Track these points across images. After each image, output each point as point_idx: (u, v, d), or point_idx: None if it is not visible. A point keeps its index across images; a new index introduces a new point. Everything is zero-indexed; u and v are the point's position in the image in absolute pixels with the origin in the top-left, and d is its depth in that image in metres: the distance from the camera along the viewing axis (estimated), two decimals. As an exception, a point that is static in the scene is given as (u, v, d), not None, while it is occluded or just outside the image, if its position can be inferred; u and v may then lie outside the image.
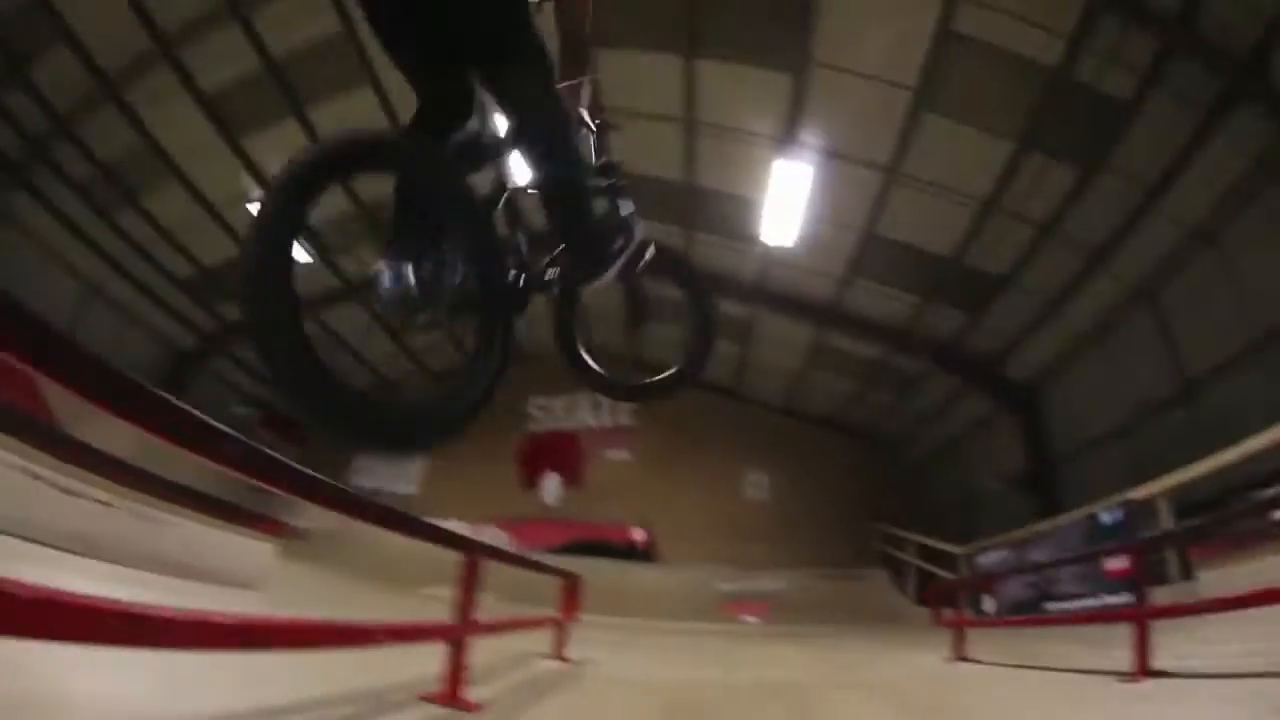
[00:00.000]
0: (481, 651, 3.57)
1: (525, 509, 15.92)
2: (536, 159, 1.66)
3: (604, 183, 2.07)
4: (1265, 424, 6.38)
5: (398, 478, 17.01)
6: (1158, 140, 7.22)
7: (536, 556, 13.03)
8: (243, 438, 1.71)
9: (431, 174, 1.48)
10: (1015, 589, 7.56)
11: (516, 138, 1.67)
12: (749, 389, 15.81)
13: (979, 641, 4.29)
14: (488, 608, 3.23)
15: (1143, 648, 2.56)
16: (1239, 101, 6.37)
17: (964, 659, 3.97)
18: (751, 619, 11.38)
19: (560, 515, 15.62)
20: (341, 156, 1.33)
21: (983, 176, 8.68)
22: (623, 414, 16.95)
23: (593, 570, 12.35)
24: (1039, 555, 7.41)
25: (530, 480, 16.70)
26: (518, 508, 15.92)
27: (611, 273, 1.90)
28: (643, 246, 1.99)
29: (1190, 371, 8.15)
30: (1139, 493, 6.18)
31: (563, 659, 4.14)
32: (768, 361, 14.36)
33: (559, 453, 16.86)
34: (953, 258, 9.87)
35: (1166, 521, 5.71)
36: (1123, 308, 9.09)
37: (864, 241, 10.30)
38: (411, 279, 1.44)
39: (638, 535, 14.44)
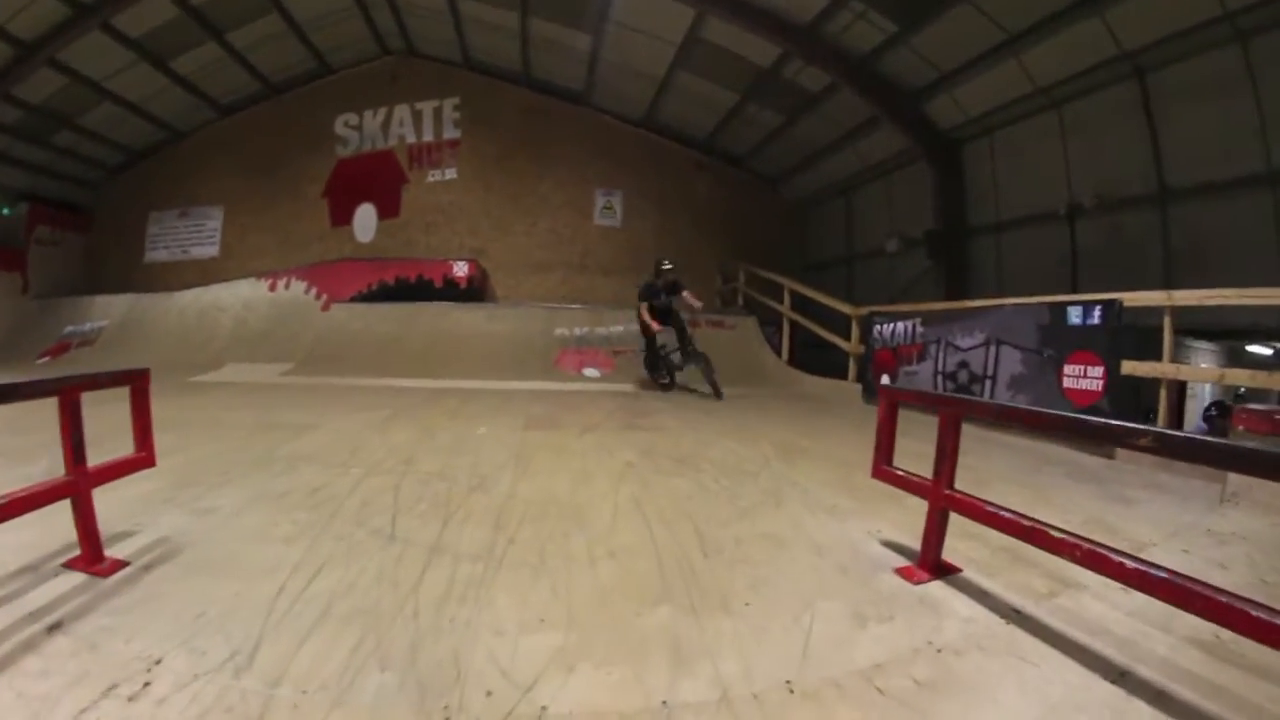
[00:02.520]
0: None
1: (340, 250, 13.13)
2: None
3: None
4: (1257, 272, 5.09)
5: (197, 243, 14.00)
6: None
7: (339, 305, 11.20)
8: None
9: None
10: (926, 377, 6.44)
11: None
12: (602, 95, 12.40)
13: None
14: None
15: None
16: None
17: (944, 569, 2.34)
18: (593, 372, 9.61)
19: (375, 253, 12.97)
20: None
21: None
22: (447, 123, 13.27)
23: (407, 317, 10.73)
24: (965, 339, 5.96)
25: (342, 215, 13.48)
26: (331, 250, 13.18)
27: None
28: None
29: (1170, 179, 6.43)
30: (1135, 297, 4.73)
31: (93, 566, 2.19)
32: (628, 59, 10.86)
33: (372, 177, 13.51)
34: (891, -63, 6.61)
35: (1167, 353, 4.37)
36: (1099, 72, 6.86)
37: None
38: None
39: (460, 270, 12.04)
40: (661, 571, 2.31)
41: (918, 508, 2.54)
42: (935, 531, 2.33)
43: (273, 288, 12.21)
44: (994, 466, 3.99)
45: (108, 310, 12.42)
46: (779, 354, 9.81)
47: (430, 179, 13.31)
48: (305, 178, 13.64)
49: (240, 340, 11.22)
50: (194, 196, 13.93)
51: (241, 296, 12.23)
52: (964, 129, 8.81)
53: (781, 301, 9.68)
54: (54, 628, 1.79)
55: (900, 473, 2.57)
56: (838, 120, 10.11)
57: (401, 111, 13.49)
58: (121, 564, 2.24)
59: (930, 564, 2.33)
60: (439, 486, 3.34)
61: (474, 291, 11.86)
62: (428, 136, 13.38)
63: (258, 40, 11.87)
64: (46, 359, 11.36)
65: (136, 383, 2.61)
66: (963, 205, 8.96)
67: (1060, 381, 5.02)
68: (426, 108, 13.41)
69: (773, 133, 11.31)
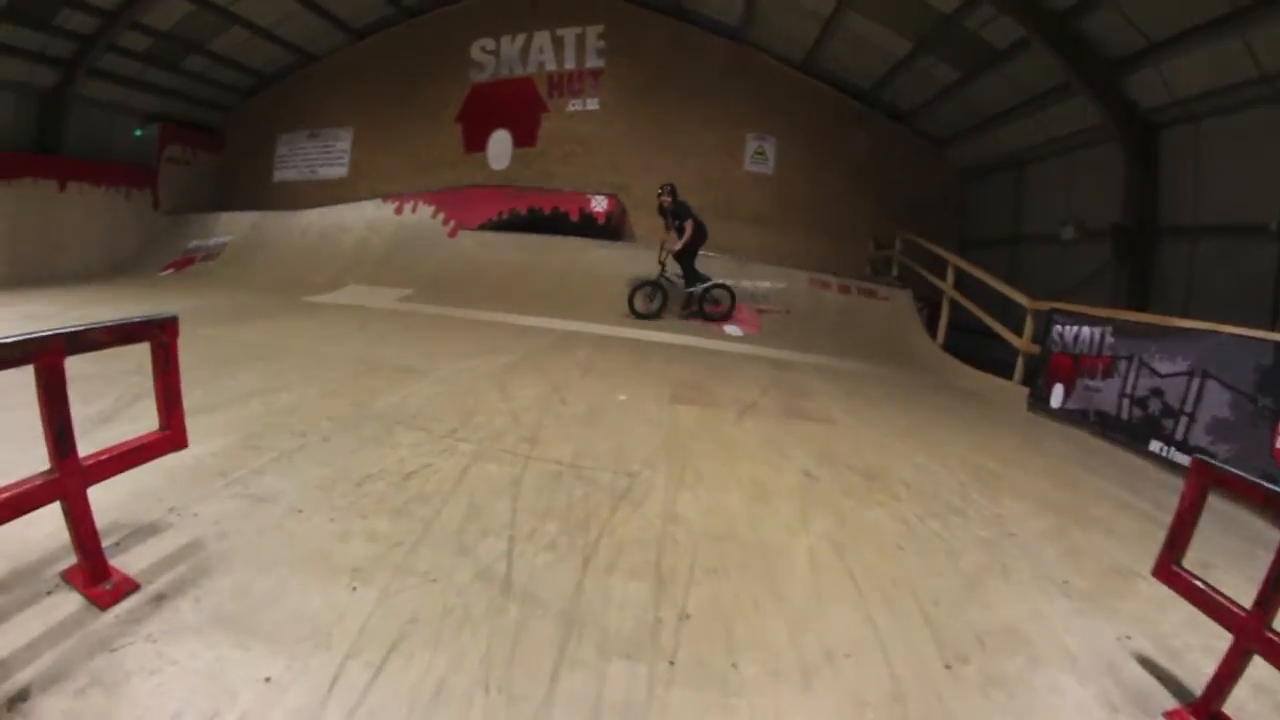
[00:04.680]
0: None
1: (472, 177, 13.23)
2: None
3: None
4: None
5: (326, 164, 14.38)
6: None
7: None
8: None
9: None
10: (1110, 395, 5.72)
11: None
12: (761, 32, 11.67)
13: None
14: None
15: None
16: None
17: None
18: (735, 331, 9.19)
19: (508, 182, 12.88)
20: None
21: None
22: (589, 52, 13.00)
23: (539, 251, 10.72)
24: (1164, 363, 5.24)
25: (475, 142, 13.61)
26: (463, 177, 13.23)
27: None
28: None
29: None
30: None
31: (91, 587, 1.76)
32: (792, -6, 10.21)
33: (509, 104, 13.38)
34: None
35: None
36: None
37: None
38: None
39: (599, 205, 11.63)
40: (902, 702, 1.77)
41: (1153, 592, 2.17)
42: (1230, 676, 1.93)
43: (399, 210, 12.22)
44: (1205, 538, 3.31)
45: (232, 226, 12.82)
46: (932, 336, 9.12)
47: (570, 109, 13.07)
48: (438, 102, 13.64)
49: (361, 262, 11.22)
50: (324, 118, 14.26)
51: (366, 218, 12.27)
52: (1166, 111, 7.67)
53: (942, 277, 9.01)
54: (17, 701, 1.37)
55: (1199, 584, 2.08)
56: (1021, 83, 9.23)
57: (541, 38, 13.16)
58: (129, 586, 1.77)
59: (1207, 712, 1.96)
60: (574, 489, 2.73)
61: (611, 229, 11.54)
62: (569, 65, 13.07)
63: (391, -39, 11.66)
64: (170, 271, 11.84)
65: (158, 337, 1.94)
66: (1155, 199, 8.04)
67: (1274, 439, 4.25)
68: (568, 34, 13.03)
69: (945, 89, 10.39)
